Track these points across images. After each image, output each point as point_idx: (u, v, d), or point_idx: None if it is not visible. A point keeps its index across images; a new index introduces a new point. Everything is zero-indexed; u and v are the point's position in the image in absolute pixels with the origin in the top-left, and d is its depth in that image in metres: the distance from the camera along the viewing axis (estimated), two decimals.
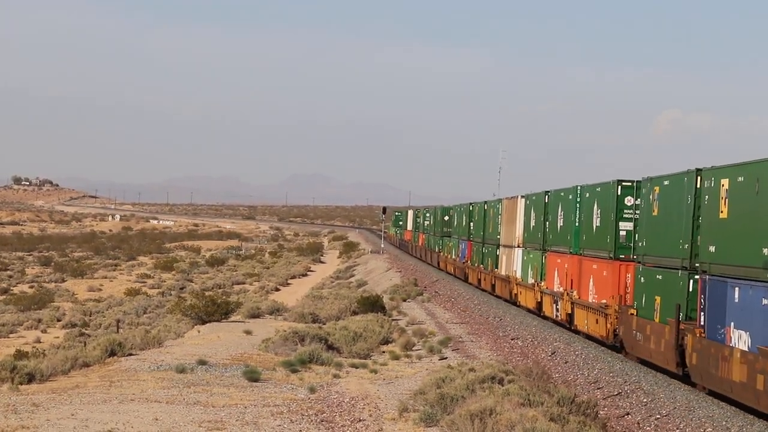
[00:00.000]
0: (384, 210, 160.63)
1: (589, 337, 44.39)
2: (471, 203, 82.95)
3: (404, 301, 64.89)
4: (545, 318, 52.57)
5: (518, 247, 60.08)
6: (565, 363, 39.56)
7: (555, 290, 49.86)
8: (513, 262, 61.01)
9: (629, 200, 40.87)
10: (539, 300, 53.42)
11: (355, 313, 52.81)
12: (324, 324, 46.88)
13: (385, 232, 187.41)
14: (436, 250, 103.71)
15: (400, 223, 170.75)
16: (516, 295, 59.82)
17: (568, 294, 46.96)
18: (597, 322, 41.90)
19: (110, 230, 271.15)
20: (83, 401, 26.45)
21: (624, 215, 40.87)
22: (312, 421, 25.17)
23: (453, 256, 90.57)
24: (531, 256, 56.35)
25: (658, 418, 29.07)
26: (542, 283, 52.89)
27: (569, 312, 46.89)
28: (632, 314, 37.53)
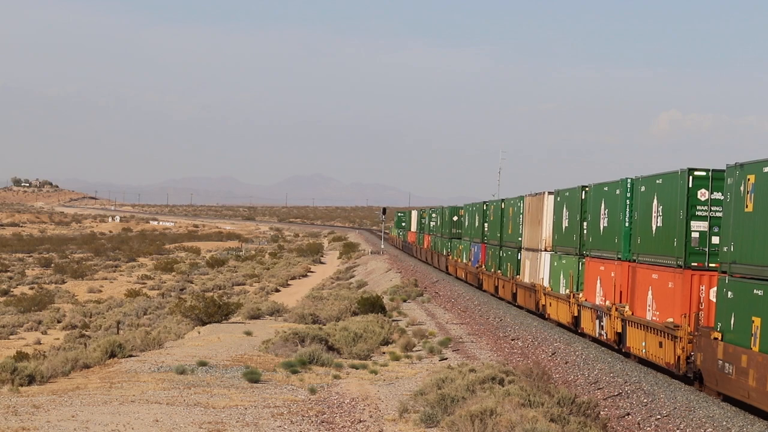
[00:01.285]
0: (384, 210, 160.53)
1: (645, 363, 37.43)
2: (485, 202, 75.45)
3: (404, 301, 64.89)
4: (582, 335, 45.87)
5: (545, 251, 53.12)
6: (566, 363, 39.56)
7: (597, 304, 42.65)
8: (539, 269, 53.94)
9: (703, 194, 33.68)
10: (576, 314, 46.16)
11: (355, 313, 52.81)
12: (324, 325, 46.87)
13: (386, 233, 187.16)
14: (444, 253, 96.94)
15: (403, 224, 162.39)
16: (544, 306, 52.69)
17: (617, 309, 39.57)
18: (661, 346, 34.50)
19: (110, 231, 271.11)
20: (84, 403, 26.46)
21: (697, 213, 33.50)
22: (312, 422, 25.18)
23: (464, 260, 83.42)
24: (563, 262, 49.39)
25: (659, 418, 29.07)
26: (580, 295, 45.48)
27: (618, 331, 39.62)
28: (716, 339, 30.09)
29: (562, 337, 46.22)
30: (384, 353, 39.96)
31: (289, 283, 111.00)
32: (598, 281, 42.98)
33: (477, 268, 75.13)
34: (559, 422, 22.60)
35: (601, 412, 28.23)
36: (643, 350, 36.41)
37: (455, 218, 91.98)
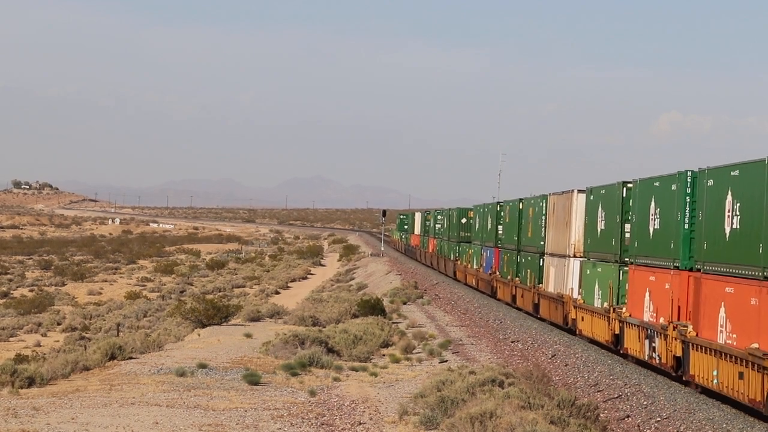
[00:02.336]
0: (384, 213, 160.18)
1: (715, 395, 31.10)
2: (498, 202, 69.63)
3: (404, 304, 64.86)
4: (625, 356, 39.68)
5: (574, 257, 46.80)
6: (566, 366, 39.55)
7: (647, 321, 36.23)
8: (567, 277, 47.44)
9: None
10: (616, 332, 40.05)
11: (355, 316, 52.80)
12: (324, 327, 46.86)
13: (386, 236, 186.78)
14: (452, 258, 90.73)
15: (406, 226, 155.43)
16: (574, 321, 46.36)
17: (676, 329, 33.22)
18: (742, 378, 27.92)
19: (110, 234, 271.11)
20: (84, 405, 26.46)
21: None
22: (312, 424, 25.18)
23: (474, 266, 76.99)
24: (599, 270, 42.82)
25: (659, 420, 29.07)
26: (622, 309, 39.08)
27: (677, 355, 33.34)
28: None
29: (562, 340, 46.22)
30: (384, 355, 39.95)
31: (289, 285, 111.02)
32: (647, 294, 36.49)
33: (490, 274, 68.93)
34: (559, 424, 22.61)
35: (601, 415, 28.23)
36: (714, 380, 30.03)
37: (464, 220, 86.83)
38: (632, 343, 38.12)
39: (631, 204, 39.67)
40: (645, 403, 31.34)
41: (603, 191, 43.51)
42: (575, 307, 45.89)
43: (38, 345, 72.55)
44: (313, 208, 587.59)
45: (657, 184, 36.52)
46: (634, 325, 37.68)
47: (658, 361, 35.17)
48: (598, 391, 33.97)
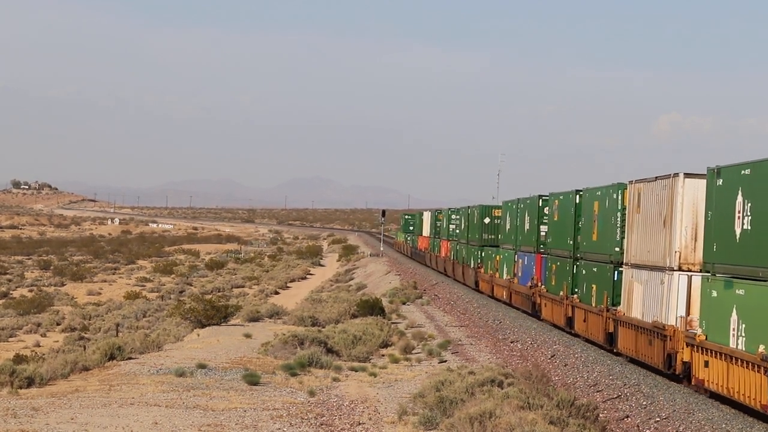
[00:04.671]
0: (383, 213, 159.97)
1: None
2: (541, 196, 56.23)
3: (404, 304, 64.87)
4: None
5: (684, 270, 33.89)
6: (565, 366, 39.56)
7: None
8: (669, 299, 34.36)
9: None
10: None
11: (354, 316, 52.82)
12: (323, 327, 46.88)
13: (389, 237, 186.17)
14: (472, 265, 77.41)
15: (411, 227, 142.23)
16: (689, 364, 32.61)
17: None
18: None
19: (109, 234, 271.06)
20: (83, 405, 26.46)
21: None
22: (311, 424, 25.18)
23: (505, 276, 64.40)
24: (739, 293, 28.67)
25: (658, 420, 29.09)
26: None
27: None
28: None
29: (561, 340, 46.23)
30: (383, 356, 39.96)
31: (288, 285, 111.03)
32: None
33: (531, 287, 55.96)
34: (559, 425, 22.61)
35: (601, 415, 28.24)
36: None
37: (487, 220, 75.31)
38: None
39: None
40: (644, 403, 31.36)
41: (746, 171, 29.03)
42: (694, 348, 31.99)
43: (37, 345, 72.51)
44: (313, 209, 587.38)
45: None
46: None
47: None
48: (598, 392, 33.99)
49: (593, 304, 43.49)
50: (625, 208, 40.30)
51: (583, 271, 45.90)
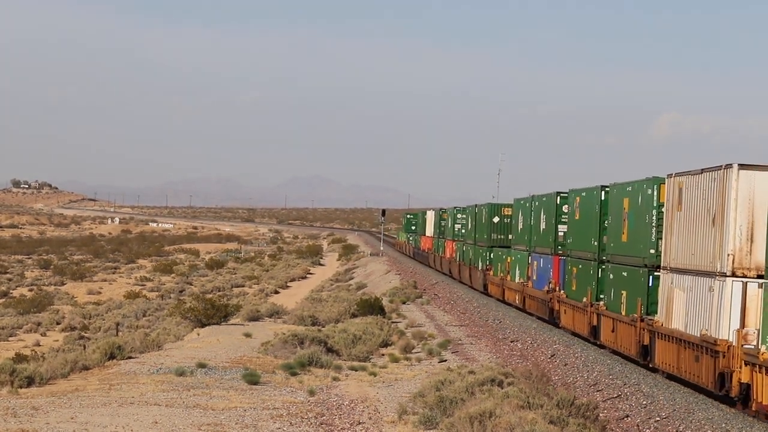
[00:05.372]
0: (383, 212, 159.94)
1: None
2: (559, 193, 52.24)
3: (404, 303, 64.89)
4: None
5: (736, 276, 29.82)
6: (565, 365, 39.56)
7: None
8: (720, 310, 30.04)
9: None
10: None
11: (354, 315, 52.83)
12: (323, 327, 46.90)
13: (391, 237, 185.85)
14: (481, 267, 73.42)
15: (414, 227, 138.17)
16: (748, 386, 28.60)
17: None
18: None
19: (109, 233, 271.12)
20: (83, 404, 26.46)
21: None
22: (311, 423, 25.18)
23: (517, 279, 60.53)
24: None
25: (658, 420, 29.09)
26: None
27: None
28: None
29: (561, 339, 46.22)
30: (383, 355, 39.98)
31: (288, 284, 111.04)
32: None
33: (548, 292, 51.75)
34: (559, 424, 22.61)
35: (601, 414, 28.25)
36: None
37: (496, 219, 71.68)
38: None
39: None
40: (644, 402, 31.36)
41: None
42: (753, 365, 28.23)
43: (37, 344, 72.48)
44: (313, 208, 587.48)
45: None
46: None
47: None
48: (598, 391, 33.99)
49: (623, 313, 38.81)
50: (661, 205, 36.05)
51: (611, 276, 41.15)
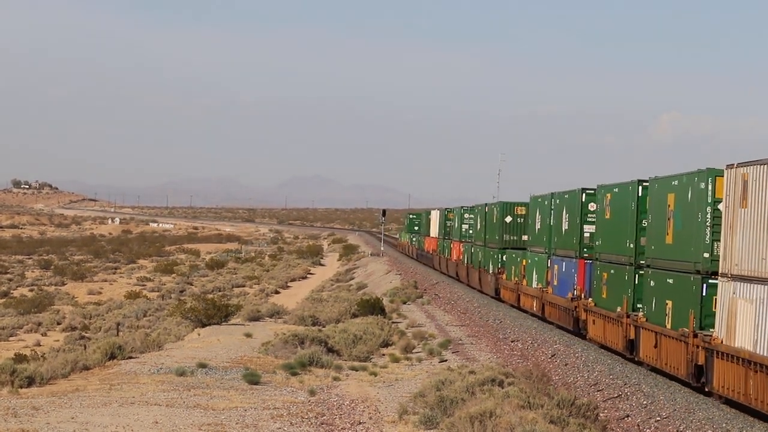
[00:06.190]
0: (384, 212, 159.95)
1: None
2: (584, 189, 46.78)
3: (404, 303, 64.91)
4: None
5: None
6: (565, 365, 39.56)
7: None
8: None
9: None
10: None
11: (354, 315, 52.85)
12: (324, 327, 46.92)
13: (392, 237, 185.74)
14: (491, 271, 69.19)
15: (417, 227, 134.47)
16: None
17: None
18: None
19: (110, 233, 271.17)
20: (83, 404, 26.47)
21: None
22: (312, 423, 25.19)
23: (534, 284, 55.54)
24: None
25: (658, 420, 29.09)
26: None
27: None
28: None
29: (562, 339, 46.22)
30: (384, 355, 39.99)
31: (288, 285, 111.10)
32: None
33: (572, 300, 47.01)
34: (559, 424, 22.62)
35: (601, 414, 28.26)
36: None
37: (508, 219, 67.30)
38: None
39: None
40: (645, 402, 31.36)
41: None
42: None
43: (38, 344, 72.50)
44: (313, 208, 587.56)
45: None
46: None
47: None
48: (598, 391, 33.99)
49: (669, 326, 33.66)
50: (718, 202, 31.11)
51: (652, 282, 35.93)
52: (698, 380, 31.35)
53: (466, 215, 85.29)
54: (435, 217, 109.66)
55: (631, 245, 38.64)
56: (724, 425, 27.53)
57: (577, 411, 25.22)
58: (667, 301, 33.98)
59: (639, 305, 37.64)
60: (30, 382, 29.94)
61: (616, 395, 32.97)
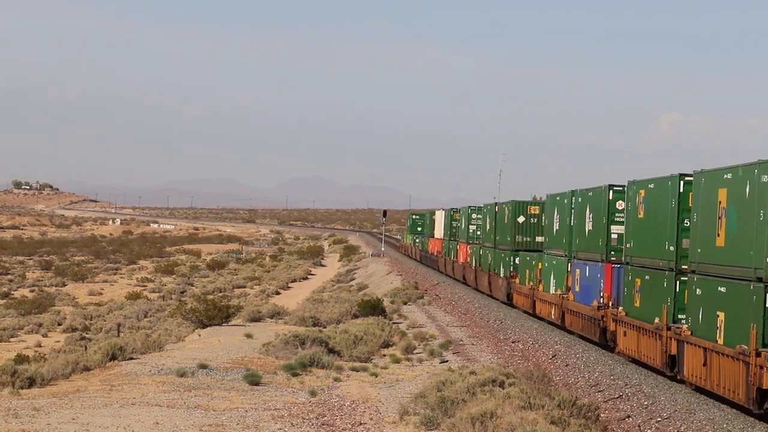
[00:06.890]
0: (384, 213, 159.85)
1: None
2: (611, 186, 42.73)
3: (405, 304, 64.87)
4: None
5: None
6: (566, 366, 39.56)
7: None
8: None
9: None
10: None
11: (355, 316, 52.83)
12: (324, 327, 46.89)
13: (393, 238, 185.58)
14: (502, 275, 65.08)
15: (420, 228, 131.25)
16: None
17: None
18: None
19: (111, 234, 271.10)
20: (84, 405, 26.47)
21: None
22: (313, 424, 25.19)
23: (552, 290, 51.56)
24: None
25: (659, 420, 29.08)
26: None
27: None
28: None
29: (563, 340, 46.21)
30: (384, 356, 39.97)
31: (289, 285, 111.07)
32: None
33: (599, 308, 42.33)
34: (560, 425, 22.61)
35: (602, 415, 28.25)
36: None
37: (521, 219, 63.28)
38: None
39: None
40: (646, 403, 31.35)
41: None
42: None
43: (39, 345, 72.53)
44: (314, 209, 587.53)
45: None
46: None
47: None
48: (599, 392, 33.98)
49: (721, 341, 29.14)
50: None
51: (698, 291, 31.35)
52: (761, 406, 26.61)
53: (474, 215, 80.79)
54: (439, 218, 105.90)
55: (671, 248, 34.10)
56: (725, 426, 27.52)
57: (578, 411, 25.22)
58: (718, 313, 29.43)
59: (681, 316, 33.33)
60: (31, 382, 29.94)
61: (617, 396, 32.97)
